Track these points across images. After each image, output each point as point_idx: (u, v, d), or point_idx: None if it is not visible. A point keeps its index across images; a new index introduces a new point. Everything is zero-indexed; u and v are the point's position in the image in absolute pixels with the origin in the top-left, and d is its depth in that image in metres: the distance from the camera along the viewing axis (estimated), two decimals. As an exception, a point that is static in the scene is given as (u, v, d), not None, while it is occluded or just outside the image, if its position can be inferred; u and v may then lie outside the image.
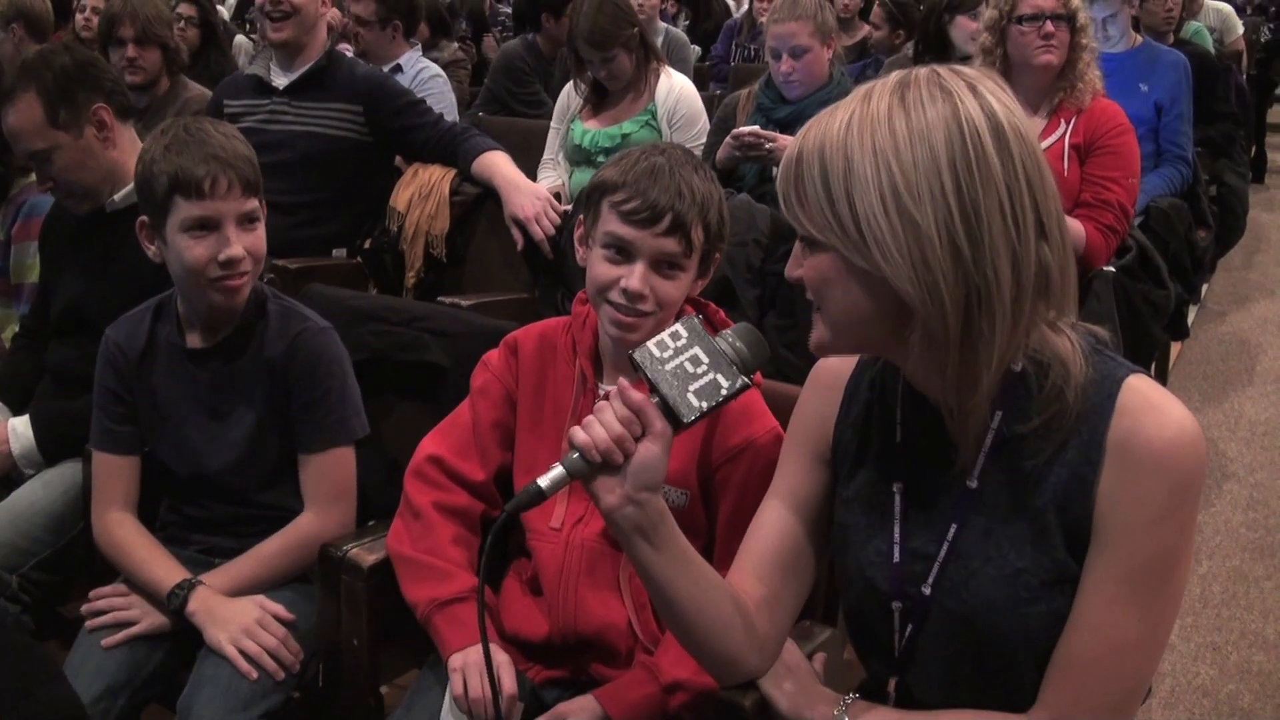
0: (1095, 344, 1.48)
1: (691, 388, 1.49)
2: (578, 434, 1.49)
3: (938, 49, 5.02)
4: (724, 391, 1.49)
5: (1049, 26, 3.81)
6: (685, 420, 1.49)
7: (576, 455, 1.50)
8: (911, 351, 1.43)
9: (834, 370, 1.70)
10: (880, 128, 1.38)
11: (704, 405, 1.48)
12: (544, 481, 1.51)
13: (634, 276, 1.99)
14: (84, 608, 2.34)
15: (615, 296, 2.01)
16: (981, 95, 1.39)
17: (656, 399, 1.49)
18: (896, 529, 1.57)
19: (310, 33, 4.08)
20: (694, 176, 2.02)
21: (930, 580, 1.53)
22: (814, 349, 1.53)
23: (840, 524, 1.66)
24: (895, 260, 1.36)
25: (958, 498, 1.52)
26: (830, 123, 1.42)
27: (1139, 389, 1.43)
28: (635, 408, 1.48)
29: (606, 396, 1.51)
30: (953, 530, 1.51)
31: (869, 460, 1.62)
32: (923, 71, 1.43)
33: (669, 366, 1.49)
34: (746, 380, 1.50)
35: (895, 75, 1.44)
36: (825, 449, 1.69)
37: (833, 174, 1.39)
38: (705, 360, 1.50)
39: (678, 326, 1.52)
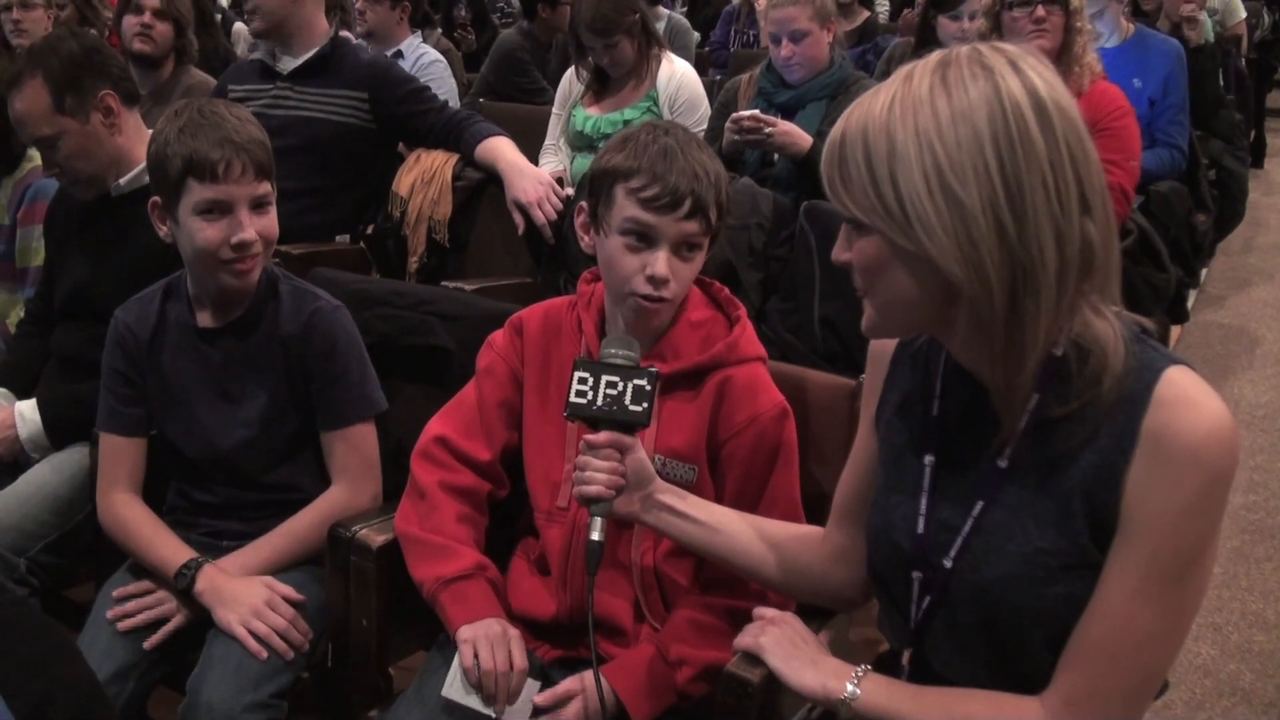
0: (1139, 333, 1.48)
1: (626, 402, 1.82)
2: (588, 490, 1.82)
3: (932, 46, 5.04)
4: (648, 388, 1.82)
5: (1040, 11, 3.82)
6: (644, 424, 1.85)
7: (598, 504, 1.82)
8: (958, 332, 1.45)
9: (883, 343, 1.74)
10: (922, 108, 1.39)
11: (645, 405, 1.82)
12: (595, 535, 1.81)
13: (659, 262, 2.00)
14: (110, 612, 2.33)
15: (640, 286, 2.01)
16: (1023, 72, 1.39)
17: (612, 426, 1.84)
18: (924, 500, 1.59)
19: (284, 22, 4.06)
20: (703, 156, 2.03)
21: (952, 554, 1.54)
22: (865, 332, 1.56)
23: (877, 487, 1.70)
24: (940, 240, 1.37)
25: (987, 475, 1.53)
26: (872, 105, 1.43)
27: (1178, 381, 1.42)
28: (606, 444, 1.83)
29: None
30: (979, 506, 1.53)
31: (905, 430, 1.65)
32: (964, 50, 1.43)
33: (599, 402, 1.83)
34: (652, 371, 1.84)
35: (936, 55, 1.44)
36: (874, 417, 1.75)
37: (876, 156, 1.40)
38: (617, 378, 1.83)
39: (576, 374, 1.85)
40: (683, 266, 2.03)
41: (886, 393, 1.71)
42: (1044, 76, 1.40)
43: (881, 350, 1.73)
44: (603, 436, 1.83)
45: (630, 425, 1.84)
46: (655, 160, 2.00)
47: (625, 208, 2.01)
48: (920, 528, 1.59)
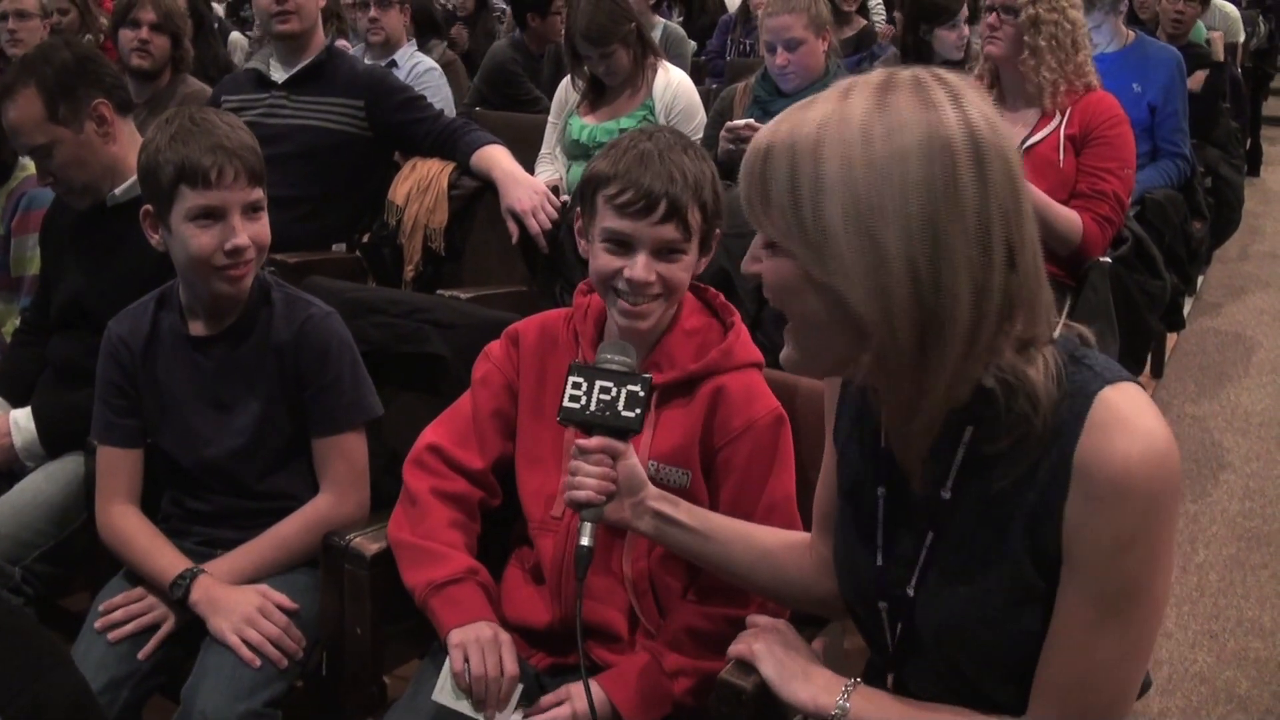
0: (1076, 350, 1.43)
1: (619, 407, 1.81)
2: (578, 495, 1.79)
3: (924, 58, 5.07)
4: (642, 394, 1.81)
5: (992, 18, 3.81)
6: (636, 430, 1.83)
7: (588, 510, 1.80)
8: (860, 370, 1.40)
9: None
10: (852, 133, 1.32)
11: (638, 411, 1.81)
12: (585, 540, 1.79)
13: (637, 267, 2.00)
14: (99, 622, 2.32)
15: (621, 286, 2.02)
16: (964, 107, 1.33)
17: (605, 431, 1.82)
18: (880, 533, 1.58)
19: (313, 26, 4.10)
20: (684, 158, 2.02)
21: (913, 583, 1.53)
22: (785, 366, 1.50)
23: (838, 515, 1.69)
24: (853, 277, 1.32)
25: (934, 506, 1.50)
26: (803, 120, 1.36)
27: (1110, 403, 1.36)
28: (597, 449, 1.81)
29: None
30: (930, 537, 1.51)
31: (858, 460, 1.62)
32: (906, 75, 1.36)
33: (592, 407, 1.82)
34: (646, 378, 1.83)
35: (879, 73, 1.37)
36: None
37: (800, 179, 1.34)
38: (611, 384, 1.82)
39: (570, 378, 1.83)
40: (668, 268, 2.03)
41: (839, 418, 1.69)
42: (985, 114, 1.34)
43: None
44: (594, 442, 1.82)
45: (623, 431, 1.82)
46: (631, 165, 2.00)
47: (604, 216, 2.03)
48: (879, 560, 1.58)
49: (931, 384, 1.36)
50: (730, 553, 1.88)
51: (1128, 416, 1.36)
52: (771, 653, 1.72)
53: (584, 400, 1.82)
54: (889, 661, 1.63)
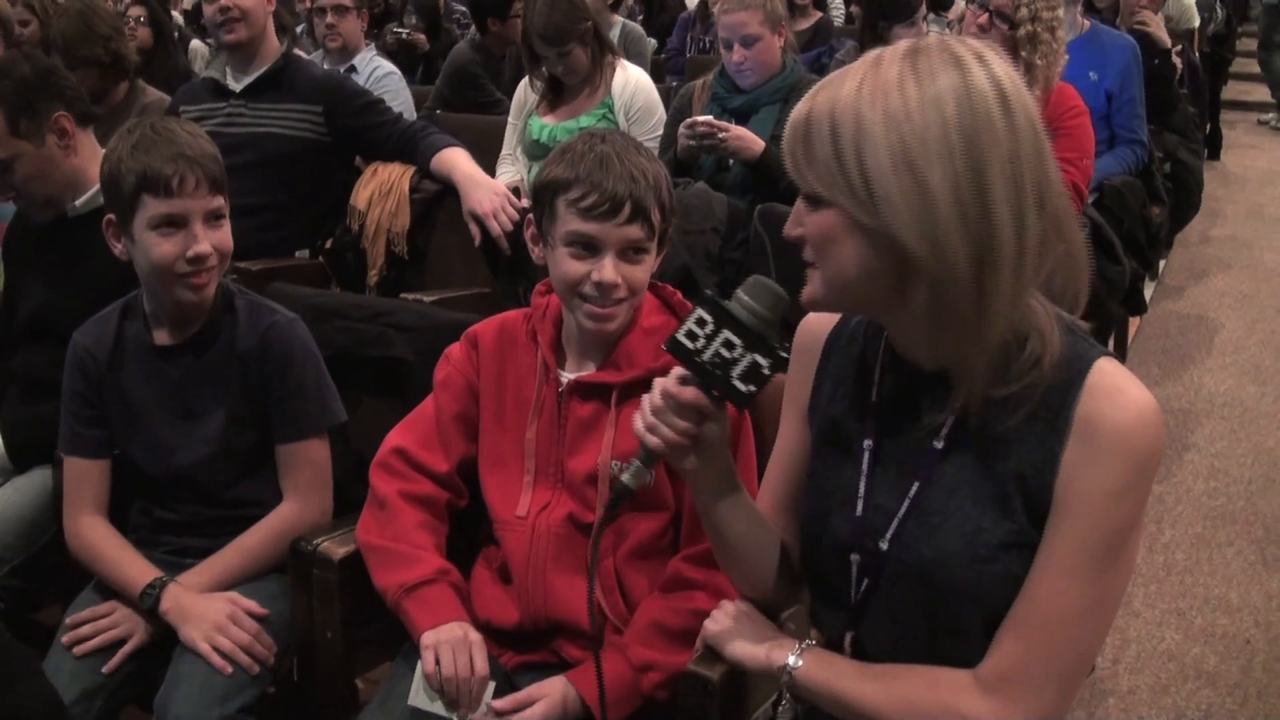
0: (1069, 325, 1.54)
1: (734, 372, 1.54)
2: (650, 440, 1.60)
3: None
4: (765, 373, 1.54)
5: (984, 18, 3.85)
6: (740, 407, 1.61)
7: (645, 455, 1.63)
8: (915, 310, 1.48)
9: (813, 334, 1.76)
10: (892, 92, 1.43)
11: (753, 388, 1.55)
12: (628, 478, 1.64)
13: (606, 269, 2.01)
14: (65, 637, 2.33)
15: (588, 290, 2.03)
16: (989, 65, 1.45)
17: (705, 388, 1.57)
18: (862, 484, 1.63)
19: (262, 33, 4.09)
20: (640, 159, 2.04)
21: (888, 535, 1.58)
22: (805, 303, 1.58)
23: (810, 474, 1.72)
24: (903, 217, 1.41)
25: (923, 457, 1.57)
26: (840, 86, 1.47)
27: (1107, 371, 1.49)
28: (690, 404, 1.58)
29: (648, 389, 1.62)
30: (915, 488, 1.57)
31: (842, 417, 1.66)
32: (933, 40, 1.48)
33: (706, 356, 1.55)
34: (782, 356, 1.55)
35: (905, 44, 1.49)
36: (806, 408, 1.76)
37: (843, 134, 1.44)
38: (739, 342, 1.54)
39: (700, 312, 1.55)
40: (631, 269, 2.04)
41: (820, 383, 1.74)
42: (1008, 73, 1.46)
43: (811, 342, 1.76)
44: (689, 394, 1.57)
45: (724, 399, 1.58)
46: (592, 169, 2.00)
47: (567, 220, 2.02)
48: (859, 510, 1.62)
49: (992, 306, 1.44)
50: (751, 520, 1.77)
51: (1124, 385, 1.49)
52: (721, 621, 1.77)
53: (702, 343, 1.55)
54: (849, 620, 1.66)
